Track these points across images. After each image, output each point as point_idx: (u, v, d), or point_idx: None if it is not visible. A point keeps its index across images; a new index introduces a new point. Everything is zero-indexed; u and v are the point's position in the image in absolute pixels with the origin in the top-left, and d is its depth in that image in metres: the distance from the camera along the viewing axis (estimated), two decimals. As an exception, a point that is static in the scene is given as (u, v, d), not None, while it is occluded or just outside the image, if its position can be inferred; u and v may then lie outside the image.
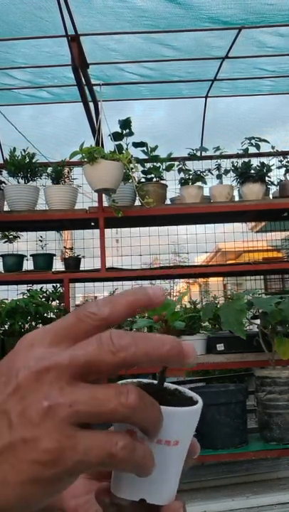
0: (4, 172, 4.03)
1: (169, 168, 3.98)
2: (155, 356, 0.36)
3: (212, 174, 4.03)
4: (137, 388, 0.36)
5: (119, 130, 3.79)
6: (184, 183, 3.94)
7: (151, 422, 0.37)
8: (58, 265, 4.30)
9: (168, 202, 4.05)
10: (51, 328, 0.38)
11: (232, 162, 4.03)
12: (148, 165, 3.94)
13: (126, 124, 3.76)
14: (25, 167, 3.81)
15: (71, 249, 4.68)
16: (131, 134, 3.80)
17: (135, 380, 0.45)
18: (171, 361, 0.37)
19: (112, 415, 0.35)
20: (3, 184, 4.01)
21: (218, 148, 4.03)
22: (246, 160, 3.94)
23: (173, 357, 0.37)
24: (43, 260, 3.99)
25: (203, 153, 4.34)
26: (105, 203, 3.74)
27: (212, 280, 7.93)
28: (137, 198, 3.72)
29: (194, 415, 0.42)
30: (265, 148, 4.05)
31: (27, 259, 4.06)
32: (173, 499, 0.43)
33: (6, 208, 3.88)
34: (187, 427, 0.42)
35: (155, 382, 0.45)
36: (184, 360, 0.37)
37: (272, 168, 3.93)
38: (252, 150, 3.98)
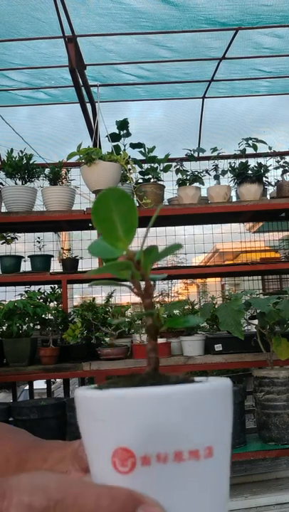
0: (1, 173, 4.03)
1: (166, 169, 3.98)
2: None
3: (209, 175, 4.03)
4: None
5: (117, 131, 3.79)
6: (181, 183, 3.94)
7: None
8: (55, 266, 4.29)
9: (165, 203, 4.05)
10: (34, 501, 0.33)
11: (229, 163, 4.04)
12: (145, 166, 3.94)
13: (123, 124, 3.76)
14: (22, 168, 3.80)
15: (69, 250, 4.67)
16: (128, 134, 3.81)
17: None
18: None
19: None
20: (1, 185, 4.00)
21: (215, 149, 4.03)
22: (243, 160, 3.95)
23: None
24: (41, 261, 3.98)
25: (201, 154, 4.35)
26: (103, 204, 3.73)
27: (210, 281, 7.93)
28: (135, 198, 3.72)
29: (225, 398, 0.26)
30: (262, 148, 4.05)
31: (25, 261, 4.06)
32: None
33: (3, 209, 3.87)
34: (219, 418, 0.25)
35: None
36: None
37: (269, 168, 3.93)
38: (249, 151, 3.99)
